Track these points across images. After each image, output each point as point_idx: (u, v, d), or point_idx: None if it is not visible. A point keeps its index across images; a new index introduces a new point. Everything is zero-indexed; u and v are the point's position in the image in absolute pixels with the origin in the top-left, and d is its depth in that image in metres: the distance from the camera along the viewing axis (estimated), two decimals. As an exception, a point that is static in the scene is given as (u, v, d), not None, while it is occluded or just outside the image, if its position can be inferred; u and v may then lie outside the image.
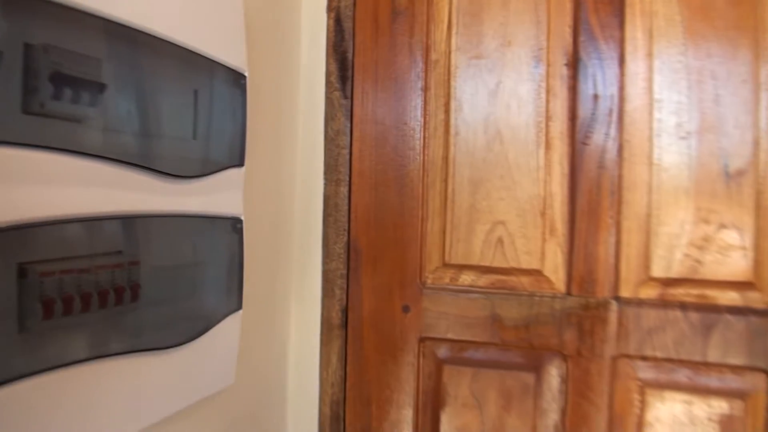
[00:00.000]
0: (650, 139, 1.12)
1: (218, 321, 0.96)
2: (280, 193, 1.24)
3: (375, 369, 1.26)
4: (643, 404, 1.13)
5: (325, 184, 1.28)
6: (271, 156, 1.20)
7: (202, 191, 0.89)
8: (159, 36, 0.78)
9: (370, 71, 1.25)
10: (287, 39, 1.26)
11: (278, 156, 1.23)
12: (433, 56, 1.22)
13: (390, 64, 1.24)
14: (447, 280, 1.22)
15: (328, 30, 1.28)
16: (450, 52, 1.22)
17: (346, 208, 1.26)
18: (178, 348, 0.86)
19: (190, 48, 0.84)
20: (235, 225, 0.99)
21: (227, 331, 0.98)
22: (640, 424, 1.13)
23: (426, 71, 1.23)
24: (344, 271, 1.26)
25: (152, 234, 0.79)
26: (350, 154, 1.26)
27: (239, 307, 1.02)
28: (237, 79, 0.98)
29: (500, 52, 1.19)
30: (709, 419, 1.10)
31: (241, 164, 0.99)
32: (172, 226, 0.83)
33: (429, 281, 1.22)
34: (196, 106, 0.87)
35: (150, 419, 0.82)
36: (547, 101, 1.16)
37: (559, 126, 1.16)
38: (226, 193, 0.96)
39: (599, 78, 1.14)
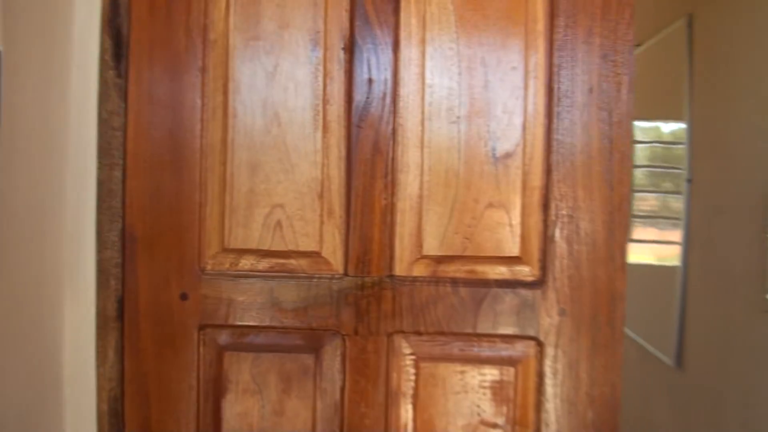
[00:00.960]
0: (422, 123, 1.11)
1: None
2: (47, 180, 1.11)
3: (154, 361, 1.16)
4: (418, 377, 1.12)
5: (99, 169, 1.16)
6: (35, 139, 1.06)
7: None
8: None
9: (146, 49, 1.15)
10: (59, 12, 1.13)
11: (44, 139, 1.09)
12: (211, 36, 1.14)
13: (167, 43, 1.15)
14: (227, 266, 1.14)
15: (103, 3, 1.16)
16: (228, 33, 1.14)
17: (120, 193, 1.15)
18: None
19: None
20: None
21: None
22: (416, 396, 1.12)
23: (204, 51, 1.14)
24: (119, 260, 1.15)
25: None
26: (125, 136, 1.15)
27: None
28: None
29: (278, 34, 1.13)
30: (481, 386, 1.12)
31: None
32: None
33: (208, 267, 1.14)
34: None
35: None
36: (325, 85, 1.12)
37: (337, 109, 1.12)
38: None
39: (374, 63, 1.11)
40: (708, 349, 2.20)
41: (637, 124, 2.84)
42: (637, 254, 2.80)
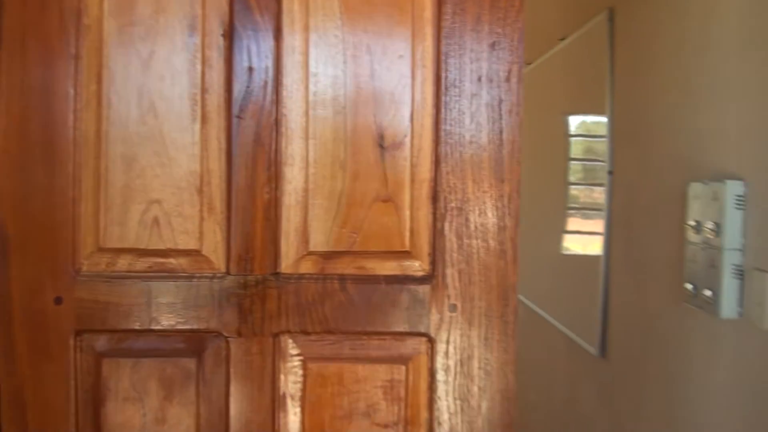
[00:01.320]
0: (307, 113, 1.04)
1: None
2: None
3: (30, 371, 1.07)
4: (306, 379, 1.06)
5: (-34, 164, 1.07)
6: None
7: None
8: None
9: (18, 35, 1.06)
10: None
11: None
12: (85, 21, 1.06)
13: (39, 28, 1.06)
14: (103, 266, 1.06)
15: (-29, -13, 1.07)
16: (102, 18, 1.06)
17: (-11, 189, 1.06)
18: None
19: None
20: None
21: None
22: (304, 398, 1.06)
23: (78, 37, 1.06)
24: (-12, 262, 1.06)
25: None
26: (-6, 129, 1.06)
27: None
28: None
29: (154, 19, 1.05)
30: (372, 386, 1.06)
31: None
32: None
33: (84, 268, 1.06)
34: None
35: None
36: (203, 73, 1.05)
37: (216, 99, 1.05)
38: None
39: (254, 50, 1.04)
40: (630, 339, 2.19)
41: (571, 118, 2.84)
42: (573, 245, 2.80)
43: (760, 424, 1.54)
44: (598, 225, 2.42)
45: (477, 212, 1.04)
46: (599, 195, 2.46)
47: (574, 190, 2.81)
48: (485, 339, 1.05)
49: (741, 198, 1.61)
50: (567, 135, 2.84)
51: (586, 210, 2.66)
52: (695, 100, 1.86)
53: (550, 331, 3.00)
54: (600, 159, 2.43)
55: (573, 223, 2.82)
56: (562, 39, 2.68)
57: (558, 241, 2.90)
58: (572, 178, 2.84)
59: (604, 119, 2.39)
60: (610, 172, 2.30)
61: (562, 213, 2.84)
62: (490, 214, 1.04)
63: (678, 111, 1.93)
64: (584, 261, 2.60)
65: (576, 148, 2.83)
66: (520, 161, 1.04)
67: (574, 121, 2.85)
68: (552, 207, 2.99)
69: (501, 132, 1.04)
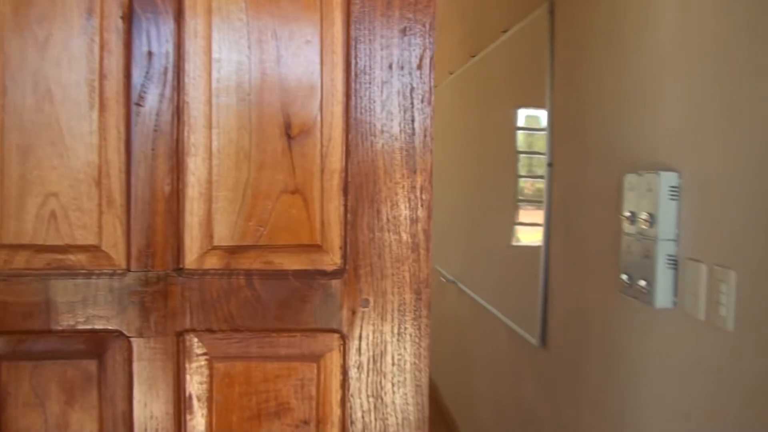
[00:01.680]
0: (210, 101, 0.98)
1: None
2: None
3: None
4: (212, 379, 1.00)
5: None
6: None
7: None
8: None
9: None
10: None
11: None
12: (-24, 4, 0.98)
13: (-74, 13, 0.97)
14: (0, 264, 0.98)
15: None
16: (-5, 0, 0.98)
17: None
18: None
19: None
20: None
21: None
22: (211, 399, 1.00)
23: (-31, 21, 0.98)
24: None
25: None
26: None
27: None
28: None
29: (51, 1, 0.98)
30: (283, 385, 1.01)
31: None
32: None
33: (-23, 266, 0.98)
34: None
35: None
36: (101, 57, 0.98)
37: (115, 85, 0.98)
38: None
39: (154, 34, 0.98)
40: (569, 329, 2.17)
41: (520, 111, 2.82)
42: (523, 236, 2.79)
43: (693, 409, 1.53)
44: (541, 216, 2.41)
45: (389, 204, 0.99)
46: (542, 187, 2.45)
47: (522, 183, 2.80)
48: (398, 334, 1.01)
49: (675, 189, 1.59)
50: (516, 128, 2.82)
51: (532, 202, 2.65)
52: (632, 94, 1.85)
53: (494, 323, 2.98)
54: (541, 152, 2.42)
55: (523, 214, 2.81)
56: (504, 31, 2.65)
57: (509, 232, 2.89)
58: (521, 172, 2.83)
59: (544, 112, 2.37)
60: (550, 164, 2.28)
61: (512, 205, 2.82)
62: (402, 206, 0.99)
63: (615, 104, 1.91)
64: (527, 252, 2.59)
65: (522, 140, 2.82)
66: (432, 151, 0.99)
67: (522, 114, 2.83)
68: (503, 199, 2.97)
69: (413, 121, 0.99)
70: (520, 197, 2.77)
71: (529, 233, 2.64)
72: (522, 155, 2.78)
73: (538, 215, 2.48)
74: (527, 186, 2.75)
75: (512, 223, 2.84)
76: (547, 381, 2.33)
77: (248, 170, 0.98)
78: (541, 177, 2.43)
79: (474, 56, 3.30)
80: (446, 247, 3.82)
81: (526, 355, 2.53)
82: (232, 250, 0.99)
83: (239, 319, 0.99)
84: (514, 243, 2.82)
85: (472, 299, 3.30)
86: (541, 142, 2.44)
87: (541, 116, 2.43)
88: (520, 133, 2.79)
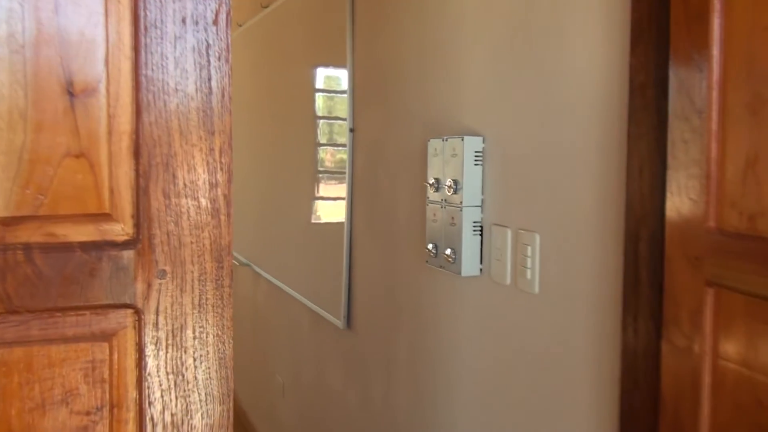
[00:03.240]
0: (-26, 53, 1.02)
1: None
2: None
3: None
4: (-13, 369, 1.05)
5: None
6: None
7: None
8: None
9: None
10: None
11: None
12: None
13: None
14: None
15: None
16: None
17: None
18: None
19: None
20: None
21: None
22: (-14, 393, 1.05)
23: None
24: None
25: None
26: None
27: None
28: None
29: None
30: (71, 369, 1.08)
31: None
32: None
33: None
34: None
35: None
36: None
37: None
38: None
39: None
40: (376, 307, 2.39)
41: (320, 71, 2.97)
42: (323, 213, 2.95)
43: (499, 370, 1.80)
44: (344, 190, 2.60)
45: (186, 168, 1.10)
46: (344, 157, 2.63)
47: (323, 152, 2.97)
48: (199, 306, 1.12)
49: (479, 154, 1.84)
50: (314, 90, 2.98)
51: (334, 174, 2.82)
52: (435, 53, 2.08)
53: (296, 308, 3.15)
54: (343, 117, 2.60)
55: (324, 188, 2.98)
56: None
57: (309, 208, 3.04)
58: (321, 140, 2.99)
59: (345, 72, 2.55)
60: (352, 130, 2.48)
61: (312, 177, 2.97)
62: (200, 170, 1.11)
63: (418, 65, 2.13)
64: (330, 229, 2.78)
65: (322, 104, 2.98)
66: (231, 111, 1.11)
67: (321, 74, 2.98)
68: (301, 171, 3.11)
69: (209, 79, 1.10)
70: (321, 169, 2.95)
71: (331, 209, 2.83)
72: (322, 121, 2.96)
73: (340, 189, 2.67)
74: (328, 157, 2.93)
75: (312, 197, 3.01)
76: (355, 364, 2.55)
77: (24, 132, 1.04)
78: (343, 145, 2.62)
79: (266, 7, 3.41)
80: (238, 226, 3.92)
81: (332, 339, 2.74)
82: (8, 222, 1.04)
83: (17, 300, 1.04)
84: (315, 220, 3.00)
85: (270, 283, 3.45)
86: (342, 106, 2.63)
87: (342, 77, 2.61)
88: (319, 95, 2.96)
